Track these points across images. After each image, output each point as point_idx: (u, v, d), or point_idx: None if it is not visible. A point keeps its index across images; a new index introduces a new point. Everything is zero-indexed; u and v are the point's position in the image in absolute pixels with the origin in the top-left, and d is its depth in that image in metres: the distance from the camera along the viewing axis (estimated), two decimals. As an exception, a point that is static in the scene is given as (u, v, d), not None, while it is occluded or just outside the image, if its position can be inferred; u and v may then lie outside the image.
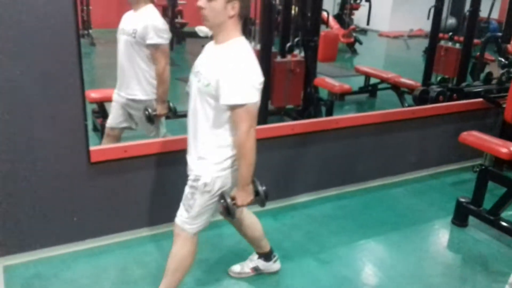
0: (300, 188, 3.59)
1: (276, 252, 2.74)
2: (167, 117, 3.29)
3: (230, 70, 1.96)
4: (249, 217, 2.55)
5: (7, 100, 2.42)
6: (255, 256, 2.71)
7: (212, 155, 2.10)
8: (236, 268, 2.72)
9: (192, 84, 2.12)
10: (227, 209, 2.11)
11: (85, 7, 8.58)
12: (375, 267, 2.87)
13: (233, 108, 1.97)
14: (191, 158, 2.18)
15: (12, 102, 2.44)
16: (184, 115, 2.23)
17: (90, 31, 8.55)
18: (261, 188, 2.18)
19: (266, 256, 2.69)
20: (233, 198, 2.13)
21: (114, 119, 3.26)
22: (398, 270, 2.84)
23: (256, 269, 2.70)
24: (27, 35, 2.36)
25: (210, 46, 2.15)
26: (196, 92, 2.09)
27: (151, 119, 3.12)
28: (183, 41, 9.05)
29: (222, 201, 2.12)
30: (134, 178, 2.91)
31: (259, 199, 2.20)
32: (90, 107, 3.32)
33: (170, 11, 8.69)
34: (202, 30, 6.33)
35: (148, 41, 2.94)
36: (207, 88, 2.00)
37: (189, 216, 2.17)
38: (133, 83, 3.09)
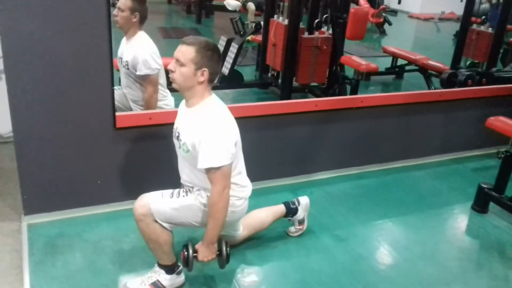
0: (321, 165, 3.59)
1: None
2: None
3: (204, 135, 2.04)
4: (253, 224, 2.68)
5: (38, 63, 2.47)
6: (290, 219, 2.83)
7: (205, 190, 2.22)
8: (291, 228, 2.87)
9: (176, 147, 2.27)
10: (187, 260, 2.16)
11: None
12: (390, 247, 2.88)
13: (208, 170, 2.07)
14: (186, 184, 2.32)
15: (45, 64, 2.49)
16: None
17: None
18: (225, 249, 2.21)
19: (291, 212, 2.80)
20: (195, 251, 2.17)
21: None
22: (413, 251, 2.85)
23: (301, 222, 2.85)
24: (61, 4, 2.40)
25: (183, 108, 2.23)
26: (179, 155, 2.27)
27: None
28: (212, 14, 9.03)
29: (184, 250, 2.16)
30: (158, 145, 2.95)
31: (221, 259, 2.24)
32: (117, 75, 3.35)
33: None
34: (230, 4, 6.32)
35: (137, 72, 2.99)
36: (187, 154, 2.14)
37: (168, 204, 2.16)
38: (140, 102, 3.15)
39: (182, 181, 2.35)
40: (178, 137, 2.20)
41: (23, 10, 2.35)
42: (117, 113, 2.75)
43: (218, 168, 2.05)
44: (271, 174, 3.35)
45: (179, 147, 2.20)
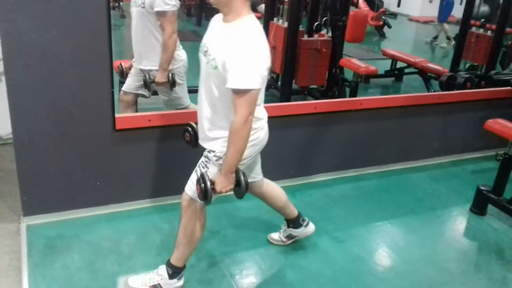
0: (320, 167, 3.60)
1: (292, 227, 2.78)
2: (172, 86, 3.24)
3: (236, 53, 1.91)
4: (269, 189, 2.57)
5: (38, 65, 2.48)
6: (285, 226, 2.76)
7: (223, 133, 2.07)
8: (274, 235, 2.81)
9: (202, 64, 2.10)
10: (204, 192, 2.04)
11: (117, -20, 8.62)
12: (389, 248, 2.88)
13: (235, 92, 1.93)
14: (202, 135, 2.19)
15: (44, 66, 2.49)
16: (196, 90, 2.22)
17: (121, 3, 8.61)
18: (243, 179, 2.10)
19: (294, 223, 2.72)
20: (213, 183, 2.06)
21: (130, 83, 3.29)
22: (412, 253, 2.85)
23: (290, 237, 2.77)
24: (60, 4, 2.40)
25: (217, 22, 2.09)
26: (205, 72, 2.07)
27: (148, 85, 3.13)
28: (212, 17, 9.01)
29: (200, 182, 2.05)
30: (157, 147, 2.96)
31: (239, 190, 2.13)
32: (117, 78, 3.36)
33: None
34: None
35: (156, 9, 2.94)
36: (215, 70, 1.97)
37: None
38: (151, 53, 3.10)
39: (199, 128, 2.21)
40: (206, 52, 2.04)
41: (22, 13, 2.35)
42: (116, 115, 2.75)
43: (246, 91, 1.90)
44: (270, 176, 3.33)
45: (207, 62, 2.02)
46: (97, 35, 2.53)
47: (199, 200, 2.15)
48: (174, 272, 2.31)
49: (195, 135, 2.27)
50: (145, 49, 3.13)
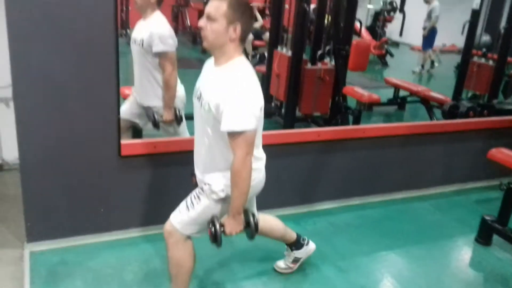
0: (323, 195, 3.60)
1: (296, 256, 2.76)
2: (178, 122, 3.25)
3: (230, 96, 1.92)
4: (266, 225, 2.55)
5: (46, 91, 2.52)
6: (288, 251, 2.76)
7: (221, 170, 2.09)
8: (280, 263, 2.80)
9: (195, 109, 2.12)
10: (214, 235, 2.05)
11: (124, 8, 8.80)
12: (393, 279, 2.86)
13: (231, 134, 1.94)
14: (199, 172, 2.19)
15: (51, 93, 2.53)
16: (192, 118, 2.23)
17: (128, 30, 8.77)
18: (253, 220, 2.11)
19: (297, 245, 2.74)
20: (222, 225, 2.07)
21: (126, 109, 3.26)
22: (417, 283, 2.82)
23: (296, 261, 2.77)
24: (69, 31, 2.45)
25: (210, 66, 2.11)
26: (199, 116, 2.09)
27: (157, 124, 3.15)
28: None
29: (210, 225, 2.06)
30: (162, 174, 2.97)
31: (250, 230, 2.13)
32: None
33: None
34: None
35: (154, 49, 2.96)
36: (209, 114, 1.99)
37: (188, 215, 2.15)
38: (149, 92, 3.13)
39: (196, 168, 2.23)
40: (200, 97, 2.06)
41: (32, 40, 2.40)
42: (122, 141, 2.78)
43: (241, 133, 1.91)
44: (273, 204, 3.35)
45: (200, 106, 2.04)
46: (105, 62, 2.58)
47: (182, 232, 2.16)
48: None
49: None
50: (143, 86, 3.16)
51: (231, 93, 1.92)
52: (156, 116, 3.12)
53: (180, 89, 3.20)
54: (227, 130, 1.93)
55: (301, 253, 2.76)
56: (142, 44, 2.99)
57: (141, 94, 3.20)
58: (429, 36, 9.17)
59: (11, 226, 2.99)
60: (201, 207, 2.12)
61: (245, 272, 2.76)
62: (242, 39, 2.00)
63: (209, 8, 1.94)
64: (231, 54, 2.00)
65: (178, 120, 3.16)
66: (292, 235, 2.71)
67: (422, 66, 9.34)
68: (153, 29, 2.95)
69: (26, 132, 2.55)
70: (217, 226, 2.05)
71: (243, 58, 2.04)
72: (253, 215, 2.14)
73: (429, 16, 9.00)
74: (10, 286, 2.49)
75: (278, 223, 2.64)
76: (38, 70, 2.46)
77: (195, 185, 2.26)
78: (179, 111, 3.15)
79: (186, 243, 2.22)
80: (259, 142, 2.16)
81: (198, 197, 2.15)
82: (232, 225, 2.07)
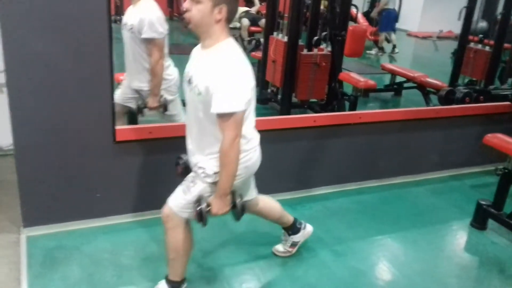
0: (320, 180, 3.60)
1: (292, 240, 2.78)
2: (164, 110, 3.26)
3: (218, 78, 1.92)
4: (265, 205, 2.58)
5: (40, 77, 2.50)
6: (285, 236, 2.78)
7: (213, 155, 2.09)
8: (279, 247, 2.82)
9: (186, 93, 2.12)
10: (200, 215, 2.06)
11: (118, -6, 8.69)
12: (389, 263, 2.87)
13: (220, 116, 1.94)
14: (193, 159, 2.19)
15: (46, 78, 2.51)
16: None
17: (123, 16, 8.66)
18: (239, 201, 2.14)
19: (293, 229, 2.75)
20: (208, 205, 2.09)
21: (120, 94, 3.27)
22: (412, 267, 2.84)
23: (294, 245, 2.79)
24: (62, 16, 2.43)
25: (197, 51, 2.12)
26: (190, 101, 2.09)
27: (141, 111, 3.16)
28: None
29: (196, 205, 2.08)
30: (158, 159, 2.96)
31: (236, 212, 2.16)
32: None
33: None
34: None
35: (143, 35, 2.95)
36: (199, 97, 1.99)
37: (185, 198, 2.15)
38: (139, 75, 3.13)
39: (188, 152, 2.23)
40: (189, 81, 2.06)
41: (25, 25, 2.38)
42: (117, 127, 2.76)
43: (230, 114, 1.92)
44: (269, 189, 3.33)
45: (190, 90, 2.05)
46: (99, 47, 2.56)
47: (180, 215, 2.18)
48: (174, 286, 2.30)
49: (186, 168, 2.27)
50: (134, 70, 3.15)
51: (220, 75, 1.92)
52: (139, 103, 3.11)
53: (174, 73, 3.18)
54: (216, 111, 1.93)
55: (298, 237, 2.77)
56: (132, 30, 2.97)
57: (131, 77, 3.20)
58: (384, 18, 9.20)
59: (8, 211, 2.98)
60: (197, 190, 2.13)
61: (242, 256, 2.77)
62: (228, 20, 1.99)
63: None
64: (218, 36, 1.99)
65: (163, 108, 3.15)
66: (289, 218, 2.72)
67: (379, 49, 9.30)
68: (143, 15, 2.94)
69: (20, 117, 2.54)
70: (203, 206, 2.07)
71: (230, 39, 2.03)
72: (241, 196, 2.16)
73: None
74: (7, 270, 2.50)
75: (277, 205, 2.65)
76: (31, 56, 2.44)
77: (181, 174, 2.27)
78: (165, 99, 3.14)
79: (185, 227, 2.23)
80: (251, 121, 2.15)
81: (193, 181, 2.16)
82: (219, 205, 2.08)
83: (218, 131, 2.01)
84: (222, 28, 1.99)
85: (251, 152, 2.14)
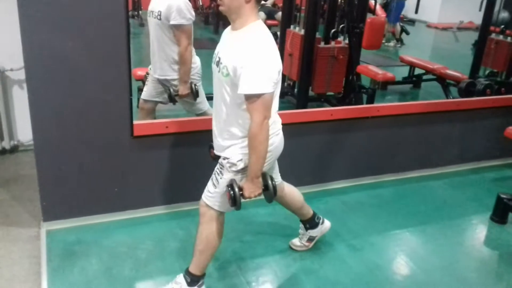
0: (337, 174, 3.58)
1: (308, 235, 2.77)
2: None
3: (247, 59, 1.92)
4: (289, 192, 2.59)
5: (58, 72, 2.52)
6: (303, 230, 2.78)
7: (238, 139, 2.10)
8: (296, 241, 2.82)
9: (214, 74, 2.13)
10: (233, 199, 2.07)
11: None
12: (407, 257, 2.85)
13: (248, 98, 1.94)
14: (217, 142, 2.20)
15: (65, 74, 2.54)
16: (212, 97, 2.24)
17: (140, 12, 8.74)
18: (271, 183, 2.13)
19: (311, 223, 2.74)
20: (241, 189, 2.09)
21: (148, 91, 3.33)
22: (431, 262, 2.81)
23: (311, 239, 2.79)
24: (79, 12, 2.45)
25: (227, 33, 2.12)
26: (218, 82, 2.09)
27: (173, 98, 3.17)
28: (229, 25, 9.11)
29: (229, 189, 2.08)
30: (174, 154, 2.98)
31: (268, 193, 2.15)
32: (136, 85, 3.41)
33: None
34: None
35: (171, 22, 2.96)
36: (227, 78, 1.99)
37: (215, 191, 2.18)
38: (164, 64, 3.14)
39: (214, 138, 2.23)
40: (218, 62, 2.06)
41: (43, 22, 2.40)
42: (134, 122, 2.79)
43: (259, 96, 1.91)
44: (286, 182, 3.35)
45: (219, 71, 2.04)
46: (116, 43, 2.57)
47: (214, 208, 2.19)
48: (193, 280, 2.31)
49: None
50: (160, 59, 3.16)
51: (249, 56, 1.92)
52: (171, 90, 3.12)
53: (197, 61, 3.20)
54: (244, 93, 1.93)
55: (315, 232, 2.77)
56: (160, 17, 2.98)
57: (157, 67, 3.20)
58: (394, 9, 9.09)
59: (28, 206, 3.04)
60: (225, 182, 2.13)
61: (258, 249, 2.78)
62: (258, 0, 2.00)
63: None
64: (248, 17, 1.99)
65: (194, 94, 3.16)
66: (309, 210, 2.72)
67: (397, 40, 9.18)
68: (171, 1, 2.95)
69: (39, 113, 2.57)
70: (236, 189, 2.07)
71: (260, 21, 2.04)
72: (271, 178, 2.15)
73: None
74: (27, 264, 2.55)
75: (299, 194, 2.66)
76: (50, 51, 2.47)
77: (213, 158, 2.28)
78: (195, 86, 3.15)
79: (219, 220, 2.25)
80: (275, 106, 2.16)
81: (220, 172, 2.17)
82: (251, 188, 2.09)
83: (243, 116, 2.02)
84: (252, 8, 1.99)
85: (273, 136, 2.14)
